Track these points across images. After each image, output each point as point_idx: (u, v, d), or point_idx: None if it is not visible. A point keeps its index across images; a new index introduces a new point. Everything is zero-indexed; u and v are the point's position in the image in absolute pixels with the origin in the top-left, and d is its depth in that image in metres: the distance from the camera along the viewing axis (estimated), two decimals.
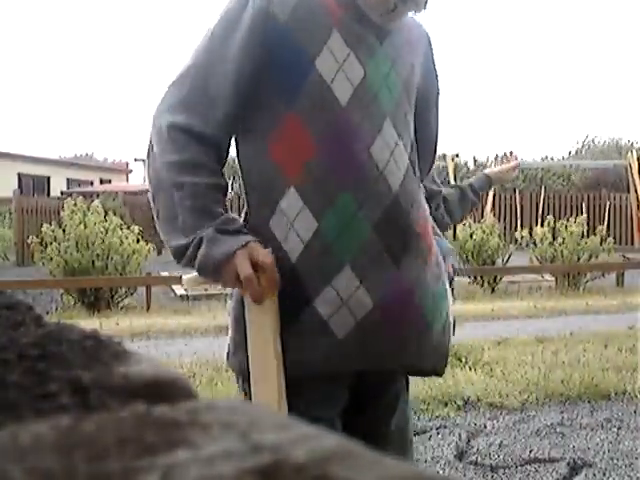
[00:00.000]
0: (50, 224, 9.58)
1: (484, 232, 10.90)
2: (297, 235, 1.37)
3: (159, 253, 11.95)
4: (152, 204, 1.40)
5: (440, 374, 1.56)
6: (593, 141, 26.18)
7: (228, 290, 1.51)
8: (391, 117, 1.44)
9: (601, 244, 10.97)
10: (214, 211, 1.34)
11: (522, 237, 11.51)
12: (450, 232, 11.26)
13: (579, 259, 10.79)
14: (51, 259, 9.02)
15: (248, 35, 1.36)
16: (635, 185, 17.23)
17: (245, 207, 1.46)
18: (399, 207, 1.43)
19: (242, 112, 1.41)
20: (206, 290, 9.01)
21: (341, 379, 1.47)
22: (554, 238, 10.94)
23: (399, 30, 1.49)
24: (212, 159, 1.38)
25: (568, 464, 3.32)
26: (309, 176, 1.37)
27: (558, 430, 3.83)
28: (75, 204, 9.44)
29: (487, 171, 2.23)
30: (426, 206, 1.54)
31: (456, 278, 8.12)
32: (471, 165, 22.98)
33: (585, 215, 11.53)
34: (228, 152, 1.44)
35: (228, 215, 1.36)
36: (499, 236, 11.03)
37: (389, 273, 1.42)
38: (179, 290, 9.76)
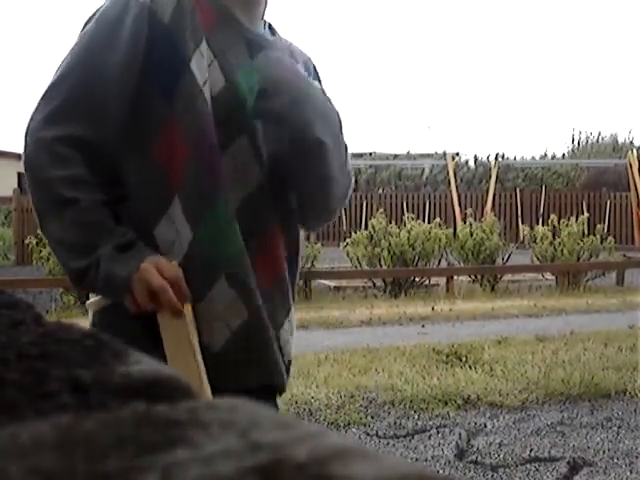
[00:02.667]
0: None
1: (484, 231, 10.90)
2: (180, 244, 1.31)
3: None
4: (41, 225, 1.29)
5: (282, 391, 1.45)
6: (596, 139, 26.15)
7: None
8: (249, 132, 1.37)
9: (602, 243, 10.98)
10: (109, 226, 1.26)
11: (524, 235, 11.51)
12: (450, 231, 11.26)
13: (579, 258, 10.79)
14: (48, 259, 9.02)
15: (133, 34, 1.29)
16: (635, 184, 17.24)
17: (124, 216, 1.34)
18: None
19: (127, 118, 1.31)
20: None
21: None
22: (554, 237, 10.94)
23: (281, 52, 1.44)
24: (103, 171, 1.29)
25: (568, 463, 3.32)
26: (187, 182, 1.31)
27: (558, 429, 3.83)
28: None
29: None
30: None
31: (456, 277, 8.13)
32: (472, 164, 22.95)
33: (586, 214, 11.54)
34: (118, 163, 1.34)
35: (122, 229, 1.28)
36: (499, 235, 11.03)
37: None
38: None
